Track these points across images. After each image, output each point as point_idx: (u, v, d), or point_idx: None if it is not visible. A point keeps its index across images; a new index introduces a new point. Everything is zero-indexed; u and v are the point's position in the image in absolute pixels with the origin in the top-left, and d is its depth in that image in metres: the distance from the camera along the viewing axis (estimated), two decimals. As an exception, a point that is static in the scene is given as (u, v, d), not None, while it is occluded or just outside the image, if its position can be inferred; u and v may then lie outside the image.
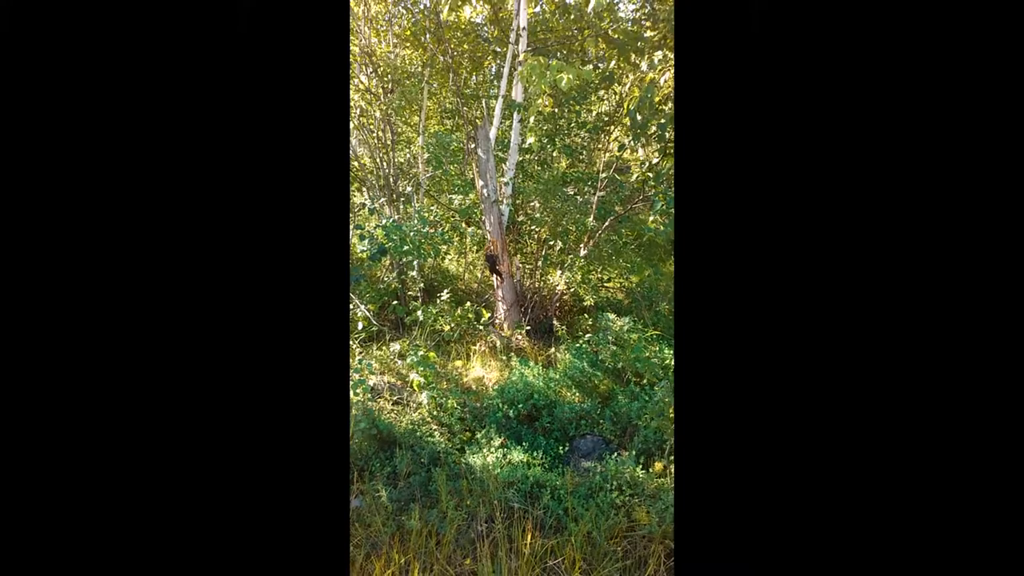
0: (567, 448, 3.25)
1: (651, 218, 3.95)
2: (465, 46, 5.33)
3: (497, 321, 4.92)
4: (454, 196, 5.42)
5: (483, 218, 4.78)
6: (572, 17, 5.08)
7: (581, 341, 4.12)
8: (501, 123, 4.96)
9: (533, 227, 5.46)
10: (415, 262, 4.95)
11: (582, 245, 5.01)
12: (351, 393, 3.40)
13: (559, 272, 5.09)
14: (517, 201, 5.36)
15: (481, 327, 4.56)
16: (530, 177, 5.46)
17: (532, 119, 3.95)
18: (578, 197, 5.26)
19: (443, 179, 5.44)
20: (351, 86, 5.04)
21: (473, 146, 4.70)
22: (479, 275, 5.94)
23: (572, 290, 5.15)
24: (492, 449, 3.14)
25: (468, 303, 4.59)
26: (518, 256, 5.49)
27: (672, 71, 4.11)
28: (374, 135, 5.31)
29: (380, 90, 5.18)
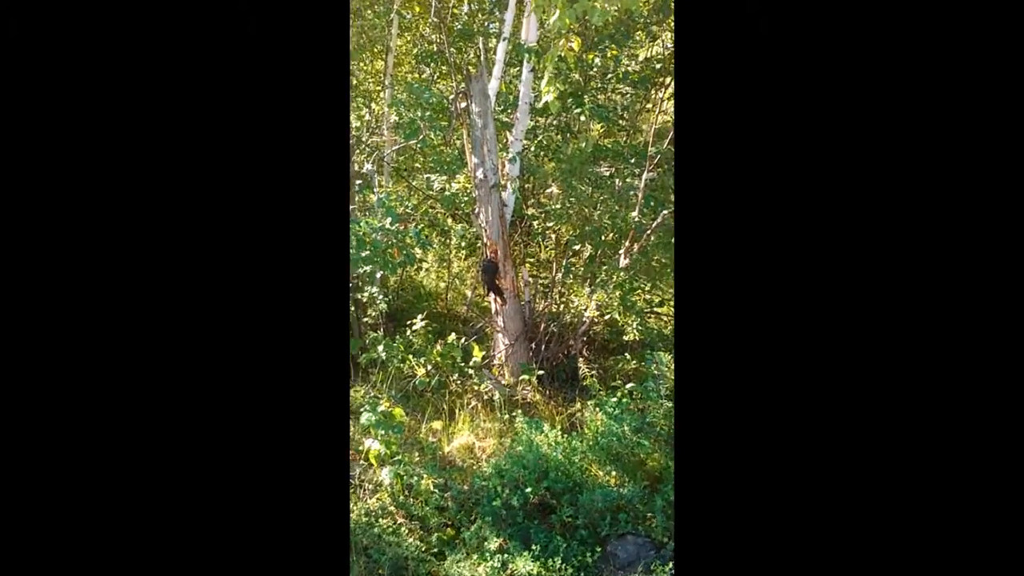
0: (598, 555, 3.25)
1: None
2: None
3: (495, 362, 4.93)
4: (433, 177, 5.46)
5: (477, 210, 4.78)
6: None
7: (620, 394, 4.15)
8: (505, 72, 5.00)
9: (550, 224, 5.51)
10: (376, 274, 4.88)
11: (622, 251, 5.00)
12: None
13: (587, 290, 5.05)
14: (527, 186, 5.45)
15: (471, 371, 4.54)
16: (546, 151, 5.50)
17: (550, 68, 3.91)
18: (616, 180, 5.28)
19: (418, 152, 5.51)
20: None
21: (464, 105, 4.69)
22: (469, 293, 6.07)
23: (607, 317, 5.14)
24: (486, 555, 3.16)
25: (453, 335, 4.59)
26: (527, 266, 5.58)
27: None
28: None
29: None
